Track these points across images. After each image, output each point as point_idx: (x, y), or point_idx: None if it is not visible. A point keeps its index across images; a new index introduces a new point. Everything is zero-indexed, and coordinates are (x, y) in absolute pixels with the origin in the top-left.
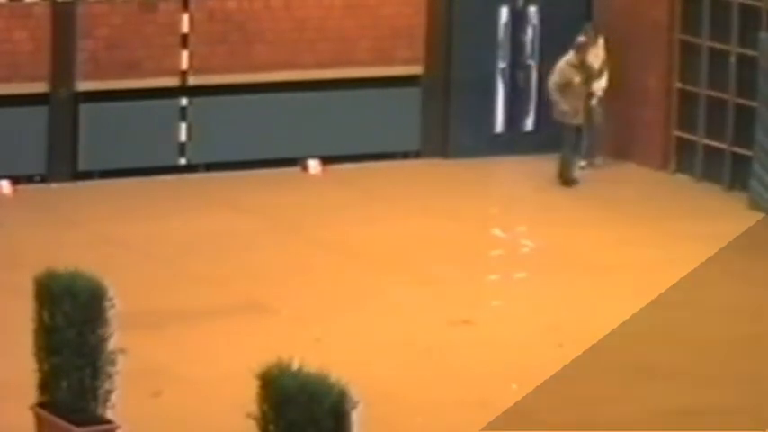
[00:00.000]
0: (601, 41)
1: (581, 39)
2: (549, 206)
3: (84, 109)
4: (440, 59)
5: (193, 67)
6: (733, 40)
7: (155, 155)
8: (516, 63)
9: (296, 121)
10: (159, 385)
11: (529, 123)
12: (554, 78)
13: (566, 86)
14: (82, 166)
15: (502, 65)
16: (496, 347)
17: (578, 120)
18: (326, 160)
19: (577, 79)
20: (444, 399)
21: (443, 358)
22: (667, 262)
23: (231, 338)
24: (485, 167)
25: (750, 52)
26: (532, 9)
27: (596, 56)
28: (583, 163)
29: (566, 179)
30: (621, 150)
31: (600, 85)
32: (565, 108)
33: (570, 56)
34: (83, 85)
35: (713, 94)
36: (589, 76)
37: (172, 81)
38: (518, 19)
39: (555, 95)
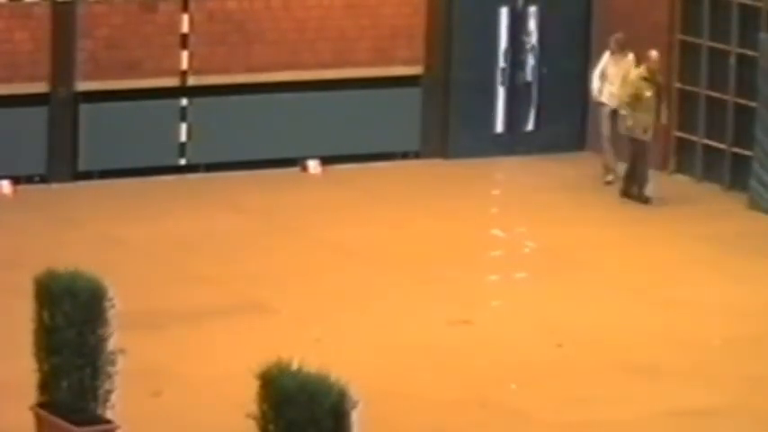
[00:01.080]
0: (631, 56)
1: (651, 52)
2: (548, 206)
3: (84, 109)
4: (440, 59)
5: (193, 68)
6: (733, 41)
7: (155, 155)
8: (516, 63)
9: (296, 121)
10: (159, 385)
11: (529, 123)
12: (627, 90)
13: (636, 99)
14: (82, 166)
15: (502, 65)
16: (496, 347)
17: (647, 135)
18: (326, 160)
19: (648, 93)
20: (444, 399)
21: (443, 358)
22: (667, 262)
23: (231, 338)
24: (485, 167)
25: (750, 53)
26: (532, 9)
27: (622, 68)
28: (610, 177)
29: (639, 196)
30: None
31: (626, 91)
32: (630, 123)
33: (641, 69)
34: (83, 85)
35: (713, 94)
36: (659, 90)
37: (172, 81)
38: (518, 19)
39: (625, 109)
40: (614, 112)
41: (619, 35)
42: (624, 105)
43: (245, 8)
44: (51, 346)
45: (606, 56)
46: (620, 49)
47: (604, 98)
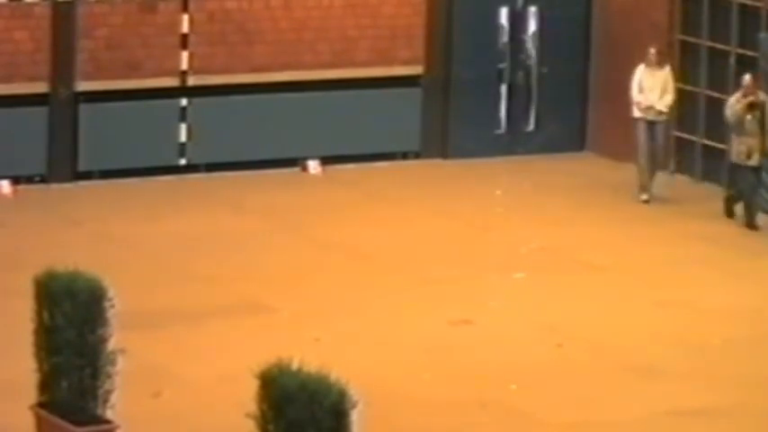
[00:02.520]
0: (667, 67)
1: (746, 78)
2: (548, 206)
3: (84, 109)
4: (440, 59)
5: (193, 68)
6: (733, 41)
7: (155, 155)
8: (516, 63)
9: (296, 121)
10: (159, 385)
11: (529, 123)
12: (726, 117)
13: (738, 126)
14: (82, 166)
15: (502, 65)
16: (496, 347)
17: (753, 161)
18: (326, 160)
19: (749, 117)
20: (444, 399)
21: (443, 358)
22: (667, 262)
23: (231, 338)
24: (485, 168)
25: (750, 52)
26: (532, 9)
27: (659, 79)
28: (645, 196)
29: (748, 223)
30: (621, 151)
31: (665, 102)
32: (735, 148)
33: (738, 95)
34: (83, 85)
35: (713, 94)
36: (762, 115)
37: (172, 81)
38: (518, 19)
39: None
40: (651, 126)
41: (654, 48)
42: (729, 131)
43: (245, 8)
44: (51, 346)
45: (641, 69)
46: (658, 62)
47: (641, 112)
